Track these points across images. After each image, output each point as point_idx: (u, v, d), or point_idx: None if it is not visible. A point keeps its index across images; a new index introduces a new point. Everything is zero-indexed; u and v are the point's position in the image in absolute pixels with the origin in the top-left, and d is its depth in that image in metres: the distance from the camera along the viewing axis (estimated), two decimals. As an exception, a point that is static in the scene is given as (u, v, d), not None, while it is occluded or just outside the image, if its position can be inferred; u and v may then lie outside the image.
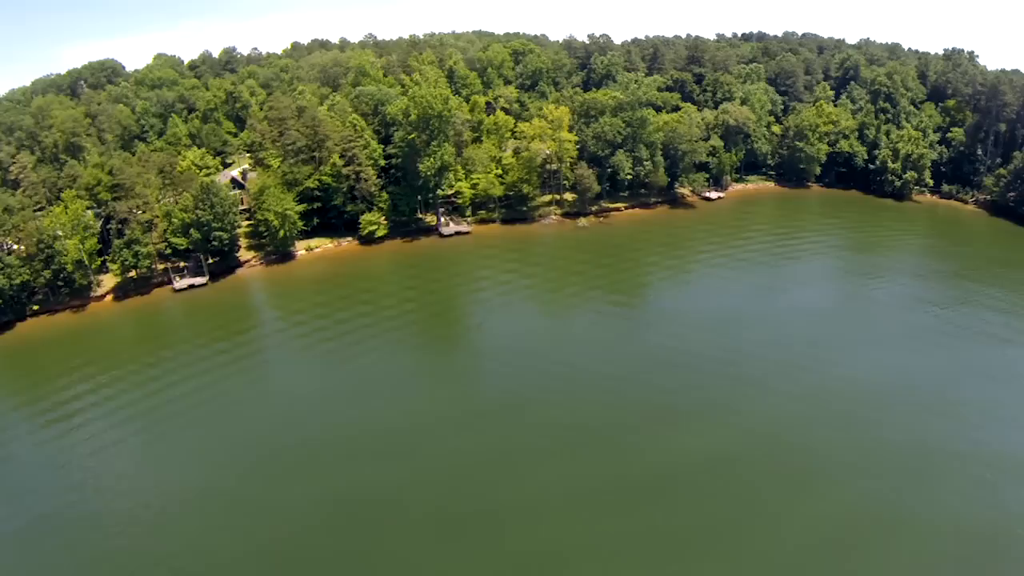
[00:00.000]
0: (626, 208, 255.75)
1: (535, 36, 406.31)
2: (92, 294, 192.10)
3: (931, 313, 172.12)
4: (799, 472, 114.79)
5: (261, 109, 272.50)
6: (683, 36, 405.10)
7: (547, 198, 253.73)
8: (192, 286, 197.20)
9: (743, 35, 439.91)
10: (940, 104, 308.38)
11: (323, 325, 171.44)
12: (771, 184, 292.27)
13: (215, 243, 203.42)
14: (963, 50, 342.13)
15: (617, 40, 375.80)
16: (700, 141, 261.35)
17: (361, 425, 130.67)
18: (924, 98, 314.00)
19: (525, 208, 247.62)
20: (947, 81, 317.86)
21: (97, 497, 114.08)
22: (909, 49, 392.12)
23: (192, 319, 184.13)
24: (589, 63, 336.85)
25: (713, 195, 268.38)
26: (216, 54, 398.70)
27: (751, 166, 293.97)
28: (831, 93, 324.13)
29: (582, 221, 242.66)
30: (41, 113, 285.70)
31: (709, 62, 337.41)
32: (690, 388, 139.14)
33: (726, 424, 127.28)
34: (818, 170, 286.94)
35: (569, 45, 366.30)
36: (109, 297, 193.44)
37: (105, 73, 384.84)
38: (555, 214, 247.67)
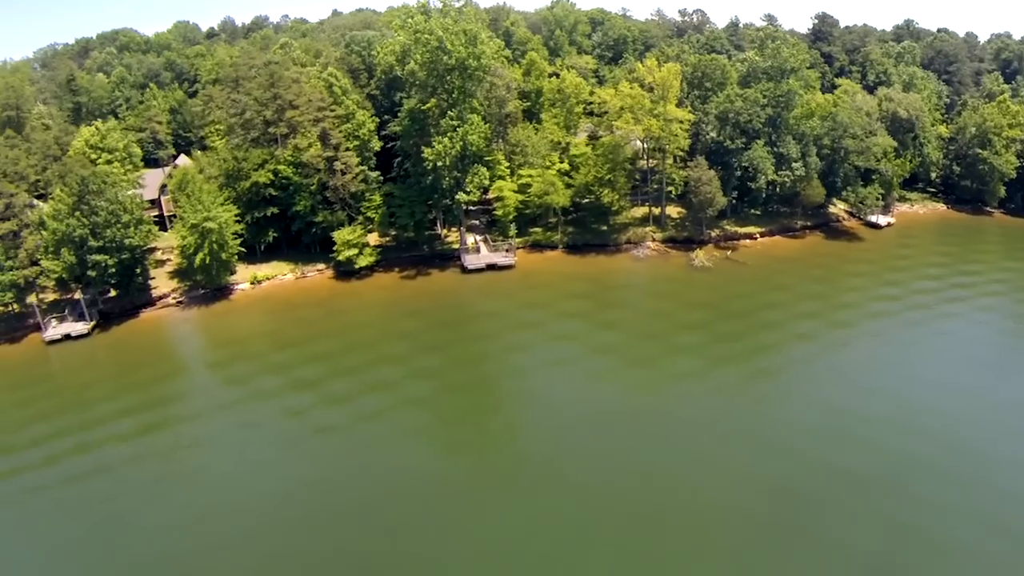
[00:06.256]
0: (761, 235, 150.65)
1: (616, 13, 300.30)
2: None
3: None
4: None
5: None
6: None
7: (639, 212, 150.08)
8: (68, 336, 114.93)
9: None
10: None
11: (217, 434, 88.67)
12: (940, 206, 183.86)
13: (93, 272, 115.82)
14: None
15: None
16: (870, 136, 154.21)
17: None
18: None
19: (605, 228, 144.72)
20: None
21: None
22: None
23: (39, 394, 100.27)
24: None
25: (882, 220, 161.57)
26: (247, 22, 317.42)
27: (908, 180, 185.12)
28: (1006, 87, 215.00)
29: (698, 255, 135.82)
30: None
31: (839, 40, 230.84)
32: None
33: None
34: (1002, 191, 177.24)
35: (658, 23, 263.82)
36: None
37: (116, 42, 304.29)
38: (652, 239, 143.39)
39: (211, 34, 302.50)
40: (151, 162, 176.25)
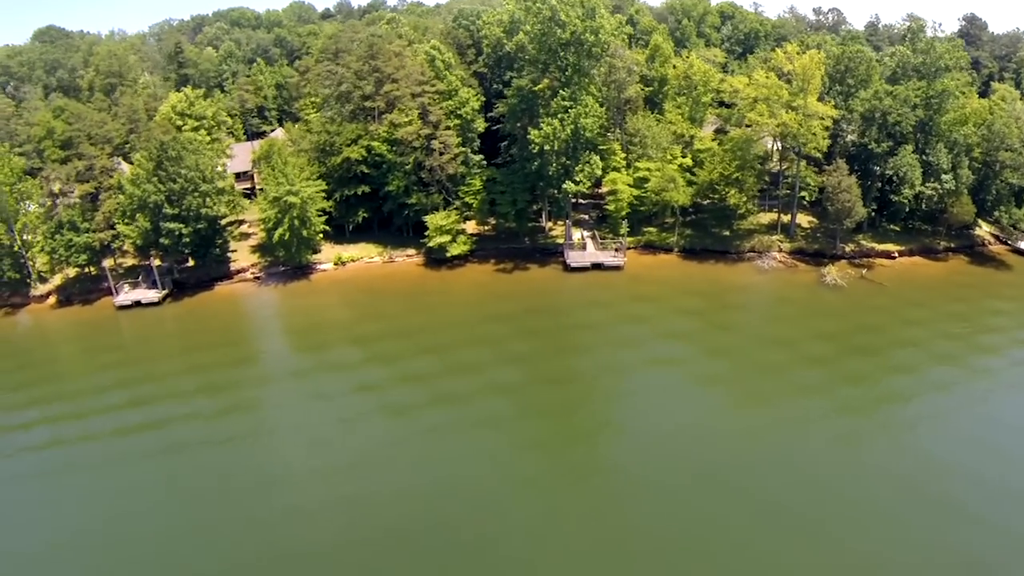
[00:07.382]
0: (900, 253, 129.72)
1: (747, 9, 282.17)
2: (32, 292, 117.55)
3: None
4: None
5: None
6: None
7: (766, 219, 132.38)
8: (138, 303, 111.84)
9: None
10: None
11: (282, 403, 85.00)
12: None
13: (166, 239, 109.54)
14: None
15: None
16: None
17: None
18: None
19: (728, 233, 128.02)
20: None
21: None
22: None
23: (83, 365, 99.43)
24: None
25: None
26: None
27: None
28: None
29: (830, 271, 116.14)
30: (91, 51, 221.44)
31: (987, 46, 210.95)
32: None
33: None
34: None
35: (791, 20, 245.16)
36: (52, 299, 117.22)
37: (228, 19, 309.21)
38: (779, 249, 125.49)
39: (326, 15, 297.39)
40: (256, 135, 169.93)
